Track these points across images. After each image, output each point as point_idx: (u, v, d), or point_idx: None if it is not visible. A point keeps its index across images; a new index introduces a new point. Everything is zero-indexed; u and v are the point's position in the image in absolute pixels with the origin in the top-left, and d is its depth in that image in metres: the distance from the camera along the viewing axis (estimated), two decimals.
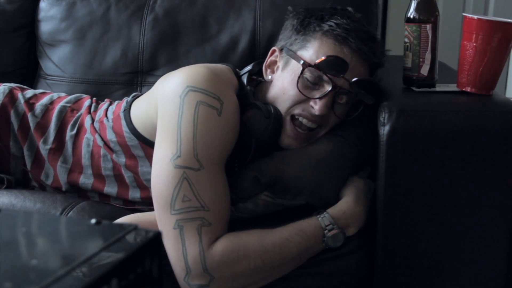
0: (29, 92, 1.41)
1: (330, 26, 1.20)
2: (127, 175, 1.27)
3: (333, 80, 1.18)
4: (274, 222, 1.13)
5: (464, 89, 1.19)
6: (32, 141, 1.33)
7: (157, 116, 1.16)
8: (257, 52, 1.56)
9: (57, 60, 1.66)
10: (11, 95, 1.37)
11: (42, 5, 1.70)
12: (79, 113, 1.35)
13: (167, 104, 1.14)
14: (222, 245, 1.05)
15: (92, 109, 1.36)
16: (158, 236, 0.59)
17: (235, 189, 1.16)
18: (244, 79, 1.25)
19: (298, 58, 1.21)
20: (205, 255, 1.04)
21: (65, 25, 1.65)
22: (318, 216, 1.13)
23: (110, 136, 1.28)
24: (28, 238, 0.61)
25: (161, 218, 1.08)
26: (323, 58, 1.18)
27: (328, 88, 1.18)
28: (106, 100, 1.43)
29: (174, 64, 1.55)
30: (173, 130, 1.10)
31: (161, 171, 1.09)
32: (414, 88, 1.22)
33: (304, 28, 1.23)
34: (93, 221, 0.61)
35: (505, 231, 1.13)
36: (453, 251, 1.14)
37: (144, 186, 1.27)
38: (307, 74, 1.19)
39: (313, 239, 1.11)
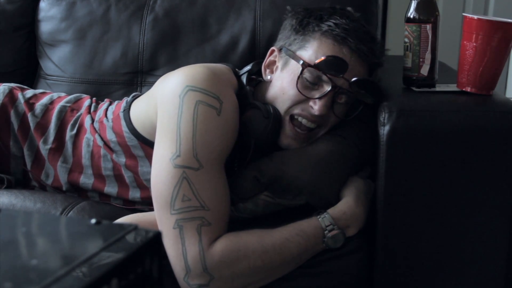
0: (29, 92, 1.41)
1: (329, 26, 1.20)
2: (127, 175, 1.27)
3: (332, 80, 1.18)
4: (274, 222, 1.13)
5: (464, 89, 1.19)
6: (32, 141, 1.33)
7: (156, 116, 1.16)
8: (257, 52, 1.56)
9: (57, 60, 1.66)
10: (11, 95, 1.37)
11: (42, 5, 1.70)
12: (79, 113, 1.35)
13: (166, 104, 1.14)
14: (222, 245, 1.05)
15: (92, 109, 1.36)
16: (158, 236, 0.59)
17: (235, 189, 1.16)
18: (244, 79, 1.25)
19: (297, 58, 1.21)
20: (205, 254, 1.04)
21: (65, 25, 1.65)
22: (318, 217, 1.13)
23: (110, 136, 1.28)
24: (28, 238, 0.61)
25: (160, 217, 1.08)
26: (322, 58, 1.18)
27: (328, 88, 1.18)
28: (106, 100, 1.43)
29: (174, 64, 1.55)
30: (172, 130, 1.10)
31: (161, 170, 1.09)
32: (414, 88, 1.22)
33: (303, 28, 1.23)
34: (93, 221, 0.61)
35: (505, 231, 1.13)
36: (453, 251, 1.14)
37: (144, 186, 1.26)
38: (307, 74, 1.19)
39: (313, 240, 1.11)
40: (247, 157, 1.20)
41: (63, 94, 1.44)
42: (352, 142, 1.24)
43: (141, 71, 1.60)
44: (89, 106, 1.37)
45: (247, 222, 1.16)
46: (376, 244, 1.15)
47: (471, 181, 1.11)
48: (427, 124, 1.09)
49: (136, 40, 1.60)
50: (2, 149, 1.33)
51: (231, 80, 1.23)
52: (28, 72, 1.72)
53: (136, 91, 1.57)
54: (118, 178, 1.28)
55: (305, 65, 1.19)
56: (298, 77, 1.19)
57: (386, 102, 1.14)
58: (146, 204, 1.26)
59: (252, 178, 1.17)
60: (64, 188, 1.31)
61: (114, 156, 1.27)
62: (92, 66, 1.62)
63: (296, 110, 1.20)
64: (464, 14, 1.19)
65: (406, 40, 1.21)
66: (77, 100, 1.40)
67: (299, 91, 1.19)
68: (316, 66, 1.18)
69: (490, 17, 1.21)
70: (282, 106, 1.21)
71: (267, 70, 1.28)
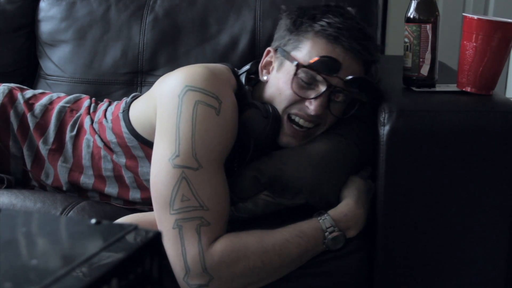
0: (29, 92, 1.41)
1: (322, 26, 1.19)
2: (127, 176, 1.27)
3: (327, 79, 1.18)
4: (274, 222, 1.13)
5: (464, 89, 1.19)
6: (31, 141, 1.33)
7: (156, 116, 1.16)
8: (257, 52, 1.56)
9: (57, 60, 1.66)
10: (10, 95, 1.37)
11: (42, 5, 1.70)
12: (78, 114, 1.35)
13: (165, 104, 1.14)
14: (222, 245, 1.05)
15: (91, 110, 1.36)
16: (158, 236, 0.59)
17: (235, 189, 1.16)
18: (243, 78, 1.25)
19: (291, 59, 1.21)
20: (205, 255, 1.04)
21: (65, 25, 1.65)
22: (319, 218, 1.13)
23: (110, 137, 1.28)
24: (28, 238, 0.61)
25: (160, 217, 1.08)
26: (316, 58, 1.18)
27: (323, 88, 1.18)
28: (105, 100, 1.43)
29: (174, 64, 1.55)
30: (171, 130, 1.10)
31: (160, 171, 1.09)
32: (414, 88, 1.22)
33: (297, 28, 1.23)
34: (93, 221, 0.61)
35: (505, 231, 1.13)
36: (453, 251, 1.14)
37: (144, 186, 1.26)
38: (301, 75, 1.19)
39: (314, 241, 1.11)
40: (246, 157, 1.20)
41: (62, 95, 1.44)
42: (352, 142, 1.24)
43: (141, 71, 1.60)
44: (89, 107, 1.37)
45: (247, 222, 1.16)
46: (376, 244, 1.15)
47: (471, 181, 1.11)
48: (427, 124, 1.09)
49: (136, 40, 1.60)
50: (2, 149, 1.33)
51: (230, 80, 1.23)
52: (28, 72, 1.72)
53: (136, 91, 1.57)
54: (119, 178, 1.28)
55: (299, 65, 1.19)
56: (293, 78, 1.19)
57: (386, 102, 1.14)
58: (146, 204, 1.26)
59: (251, 178, 1.17)
60: (64, 188, 1.31)
61: (114, 157, 1.27)
62: (92, 66, 1.62)
63: (293, 110, 1.20)
64: (464, 14, 1.19)
65: (406, 40, 1.21)
66: (77, 101, 1.40)
67: (294, 91, 1.19)
68: (310, 67, 1.18)
69: (490, 17, 1.21)
70: (279, 106, 1.21)
71: (264, 71, 1.28)
